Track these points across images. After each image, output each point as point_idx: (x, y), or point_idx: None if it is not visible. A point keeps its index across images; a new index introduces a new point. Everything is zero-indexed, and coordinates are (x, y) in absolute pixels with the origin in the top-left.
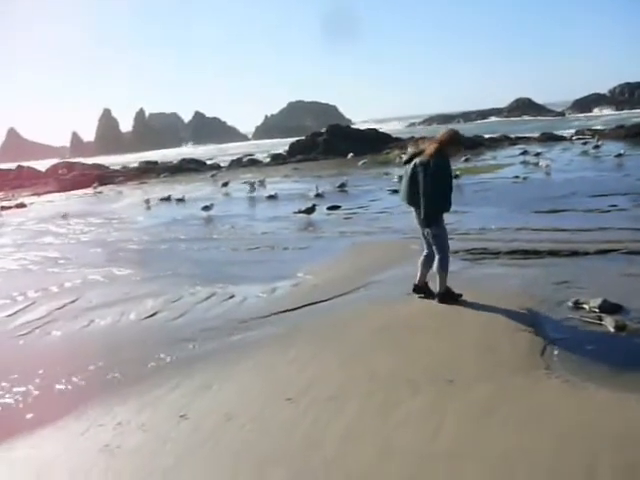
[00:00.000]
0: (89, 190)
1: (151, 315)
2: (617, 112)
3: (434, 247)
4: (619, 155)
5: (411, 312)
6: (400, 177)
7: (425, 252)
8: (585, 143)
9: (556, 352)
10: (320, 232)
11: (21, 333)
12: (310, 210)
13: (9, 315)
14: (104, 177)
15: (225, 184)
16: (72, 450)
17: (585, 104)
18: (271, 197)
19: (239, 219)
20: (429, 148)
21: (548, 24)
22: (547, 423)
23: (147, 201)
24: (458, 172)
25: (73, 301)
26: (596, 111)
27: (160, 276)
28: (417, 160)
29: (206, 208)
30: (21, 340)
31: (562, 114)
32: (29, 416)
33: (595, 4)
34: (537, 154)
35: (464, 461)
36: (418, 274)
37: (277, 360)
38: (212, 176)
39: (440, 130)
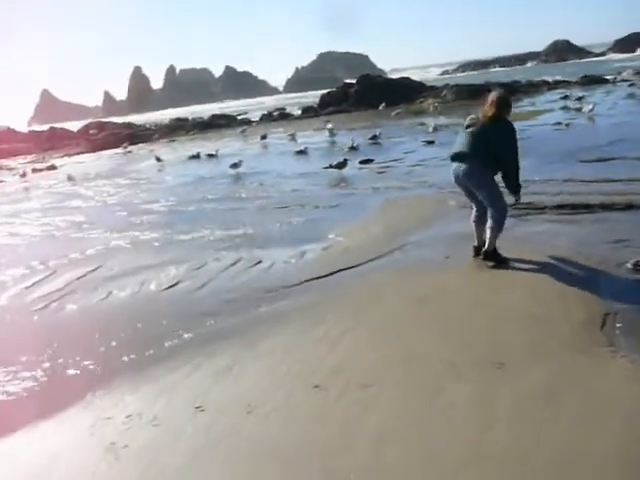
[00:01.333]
0: (119, 149)
1: (172, 285)
2: None
3: (493, 206)
4: None
5: (451, 278)
6: (435, 128)
7: (475, 211)
8: (632, 85)
9: (619, 325)
10: (352, 188)
11: (37, 307)
12: (341, 165)
13: (28, 287)
14: (134, 136)
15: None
16: (74, 449)
17: (627, 44)
18: (300, 152)
19: (268, 176)
20: (490, 113)
21: None
22: (616, 415)
23: (158, 159)
24: None
25: (94, 269)
26: (638, 51)
27: (185, 240)
28: (480, 126)
29: (234, 165)
30: (35, 315)
31: (602, 55)
32: (31, 406)
33: None
34: (579, 98)
35: (519, 466)
36: (475, 235)
37: (305, 338)
38: (242, 132)
39: (473, 76)
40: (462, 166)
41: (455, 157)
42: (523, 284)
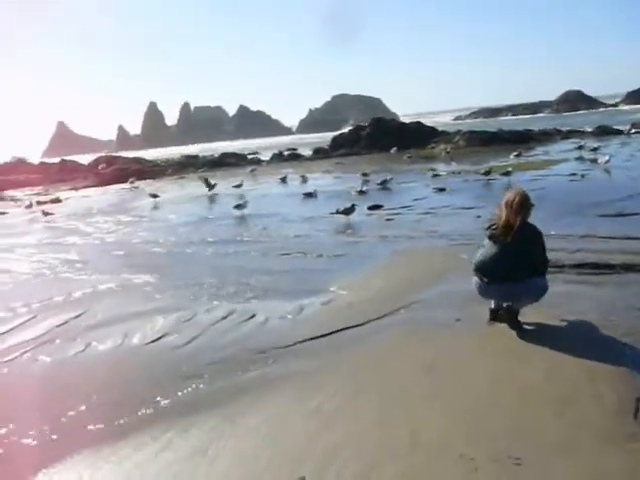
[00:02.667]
0: (126, 185)
1: (157, 339)
2: None
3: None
4: None
5: (463, 346)
6: (435, 174)
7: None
8: None
9: None
10: (359, 236)
11: (7, 359)
12: (349, 210)
13: (3, 333)
14: (142, 171)
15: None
16: None
17: (639, 96)
18: (309, 195)
19: (273, 219)
20: (514, 222)
21: (596, 14)
22: None
23: (154, 195)
24: (509, 168)
25: (77, 316)
26: None
27: (178, 286)
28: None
29: (239, 206)
30: (5, 368)
31: (615, 106)
32: None
33: None
34: (594, 149)
35: None
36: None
37: (296, 412)
38: (251, 171)
39: (486, 123)
40: (497, 288)
41: (483, 272)
42: (546, 357)
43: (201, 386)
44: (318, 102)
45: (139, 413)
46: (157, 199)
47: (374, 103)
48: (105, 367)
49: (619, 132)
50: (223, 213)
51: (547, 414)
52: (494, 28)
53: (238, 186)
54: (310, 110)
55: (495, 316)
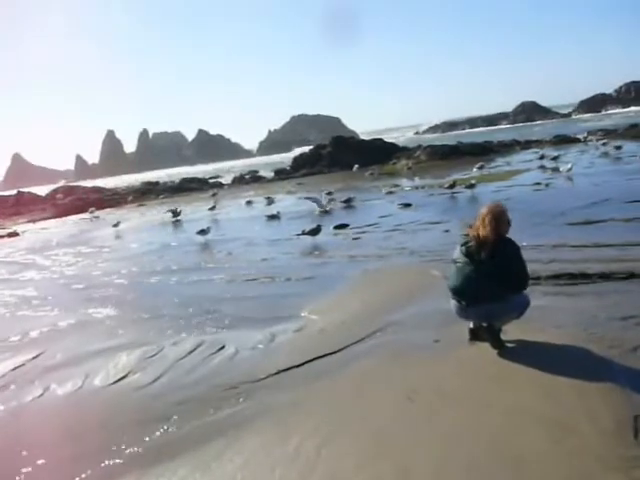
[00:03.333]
0: (86, 215)
1: (120, 379)
2: (624, 110)
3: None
4: None
5: (445, 369)
6: (389, 191)
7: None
8: (605, 144)
9: None
10: (327, 256)
11: None
12: (315, 231)
13: None
14: (102, 200)
15: (212, 208)
16: None
17: (591, 104)
18: (272, 217)
19: (237, 243)
20: (491, 237)
21: (547, 25)
22: None
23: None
24: (473, 181)
25: (35, 357)
26: (603, 111)
27: (142, 319)
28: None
29: (202, 232)
30: None
31: (569, 115)
32: None
33: (596, 5)
34: (555, 158)
35: None
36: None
37: (273, 456)
38: (213, 195)
39: (445, 137)
40: (476, 309)
41: (460, 294)
42: (532, 377)
43: (170, 429)
44: (277, 123)
45: (102, 465)
46: (118, 227)
47: (333, 122)
48: (65, 414)
49: (577, 140)
50: (186, 239)
51: (543, 442)
52: (449, 41)
53: (203, 232)
54: (269, 131)
55: (475, 335)
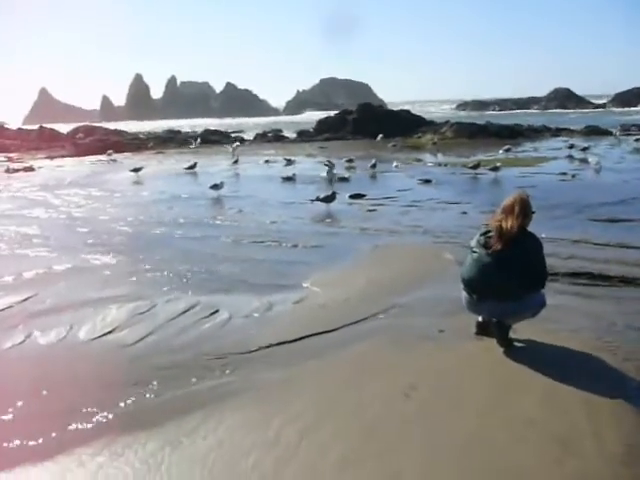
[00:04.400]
0: (103, 157)
1: (106, 333)
2: None
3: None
4: None
5: (447, 364)
6: (426, 181)
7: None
8: (637, 140)
9: None
10: (338, 226)
11: None
12: (330, 198)
13: None
14: (121, 144)
15: (236, 162)
16: None
17: (627, 98)
18: (288, 179)
19: (249, 202)
20: (514, 228)
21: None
22: None
23: (135, 169)
24: (498, 163)
25: (24, 300)
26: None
27: (140, 271)
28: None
29: (215, 187)
30: None
31: (603, 106)
32: None
33: None
34: (584, 149)
35: None
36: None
37: (251, 437)
38: (233, 149)
39: (473, 116)
40: (489, 305)
41: (473, 288)
42: (538, 384)
43: (147, 396)
44: (307, 84)
45: (69, 428)
46: (139, 173)
47: (362, 89)
48: (41, 366)
49: (608, 133)
50: (199, 192)
51: (543, 459)
52: (484, 19)
53: (216, 187)
54: (298, 91)
55: (483, 330)
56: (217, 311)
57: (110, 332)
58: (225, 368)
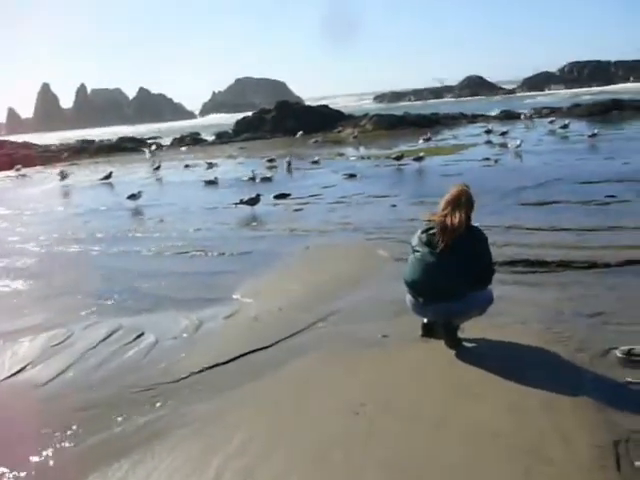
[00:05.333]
0: (11, 172)
1: (17, 372)
2: (568, 90)
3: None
4: (593, 135)
5: (395, 372)
6: (350, 175)
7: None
8: (552, 122)
9: (638, 463)
10: (265, 229)
11: None
12: (254, 201)
13: None
14: (31, 157)
15: (157, 168)
16: None
17: (535, 82)
18: (210, 182)
19: (170, 210)
20: (457, 222)
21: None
22: None
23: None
24: (422, 153)
25: None
26: (547, 90)
27: (54, 295)
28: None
29: (133, 197)
30: None
31: (513, 92)
32: None
33: None
34: (503, 133)
35: None
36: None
37: None
38: (150, 152)
39: (391, 107)
40: (435, 307)
41: (418, 290)
42: (495, 386)
43: (65, 445)
44: (222, 85)
45: None
46: (65, 181)
47: (279, 86)
48: None
49: (523, 116)
50: (116, 204)
51: (509, 472)
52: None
53: (134, 197)
54: (214, 93)
55: (428, 331)
56: (142, 334)
57: (21, 370)
58: (154, 401)
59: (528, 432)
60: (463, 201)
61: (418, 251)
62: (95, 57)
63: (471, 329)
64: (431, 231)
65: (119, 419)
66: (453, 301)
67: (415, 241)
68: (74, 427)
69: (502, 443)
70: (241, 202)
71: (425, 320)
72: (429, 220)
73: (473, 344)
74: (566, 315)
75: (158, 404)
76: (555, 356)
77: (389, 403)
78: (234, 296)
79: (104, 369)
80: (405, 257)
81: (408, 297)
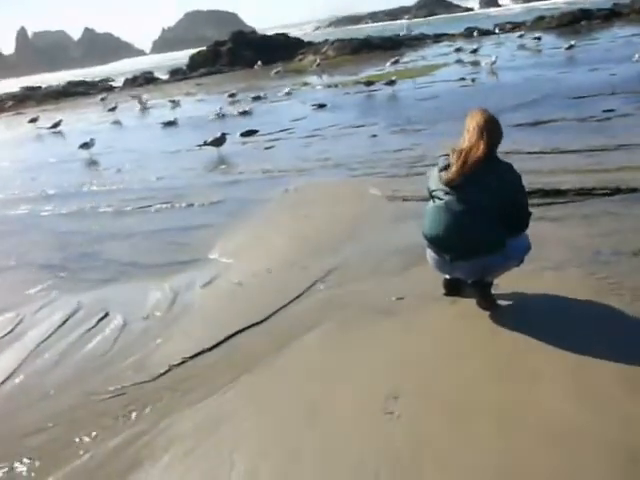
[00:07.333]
0: None
1: None
2: (527, 5)
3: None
4: (570, 47)
5: (424, 350)
6: (320, 105)
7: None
8: (521, 36)
9: None
10: (236, 172)
11: None
12: (219, 141)
13: None
14: None
15: (112, 109)
16: None
17: None
18: (170, 123)
19: (128, 157)
20: (479, 151)
21: None
22: None
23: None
24: (393, 77)
25: None
26: (505, 3)
27: (0, 269)
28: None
29: (85, 145)
30: None
31: (471, 9)
32: None
33: None
34: (474, 51)
35: None
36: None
37: None
38: (102, 99)
39: (349, 31)
40: (465, 264)
41: (445, 246)
42: (553, 361)
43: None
44: (171, 21)
45: None
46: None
47: (230, 18)
48: None
49: (490, 32)
50: (68, 155)
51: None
52: None
53: (86, 145)
54: (163, 29)
55: (452, 288)
56: (106, 315)
57: None
58: (128, 411)
59: (614, 425)
60: (491, 128)
61: (440, 198)
62: None
63: (500, 281)
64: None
65: (83, 444)
66: (489, 254)
67: (433, 183)
68: (24, 460)
69: (585, 439)
70: (205, 143)
71: (447, 276)
72: (448, 154)
73: (508, 301)
74: (605, 255)
75: (133, 415)
76: (610, 310)
77: (428, 393)
78: (211, 256)
79: (62, 369)
80: (399, 195)
81: (429, 253)
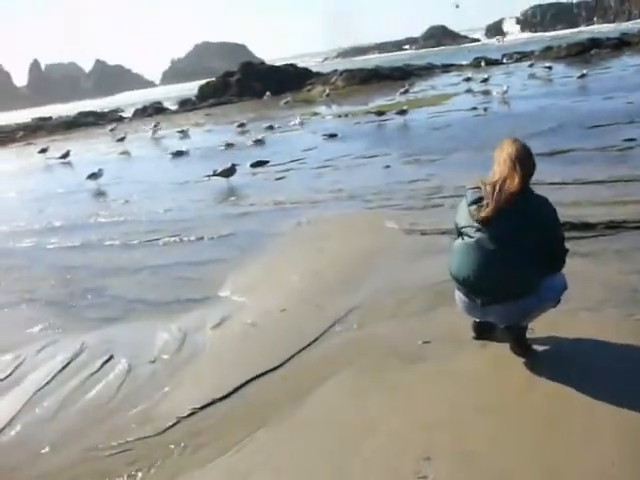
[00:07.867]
0: None
1: None
2: (532, 35)
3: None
4: (582, 76)
5: (457, 401)
6: (331, 135)
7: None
8: (531, 65)
9: None
10: (247, 204)
11: None
12: (229, 172)
13: None
14: None
15: (121, 139)
16: None
17: (499, 28)
18: (179, 153)
19: (137, 188)
20: (514, 184)
21: None
22: None
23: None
24: (405, 107)
25: None
26: (510, 33)
27: (1, 305)
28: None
29: (93, 176)
30: None
31: (478, 40)
32: None
33: None
34: (484, 80)
35: None
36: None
37: None
38: (111, 130)
39: (357, 62)
40: (498, 308)
41: (476, 288)
42: (603, 419)
43: None
44: (180, 52)
45: None
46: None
47: (239, 50)
48: None
49: (499, 62)
50: (76, 185)
51: None
52: None
53: (94, 176)
54: (172, 60)
55: (482, 332)
56: (111, 358)
57: None
58: (133, 470)
59: None
60: (524, 158)
61: (470, 235)
62: (47, 30)
63: (535, 324)
64: (481, 203)
65: None
66: (524, 297)
67: (462, 219)
68: None
69: None
70: (215, 174)
71: (479, 319)
72: (477, 187)
73: (543, 346)
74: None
75: (139, 475)
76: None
77: (462, 454)
78: (221, 294)
79: (62, 418)
80: (417, 228)
81: (459, 295)
